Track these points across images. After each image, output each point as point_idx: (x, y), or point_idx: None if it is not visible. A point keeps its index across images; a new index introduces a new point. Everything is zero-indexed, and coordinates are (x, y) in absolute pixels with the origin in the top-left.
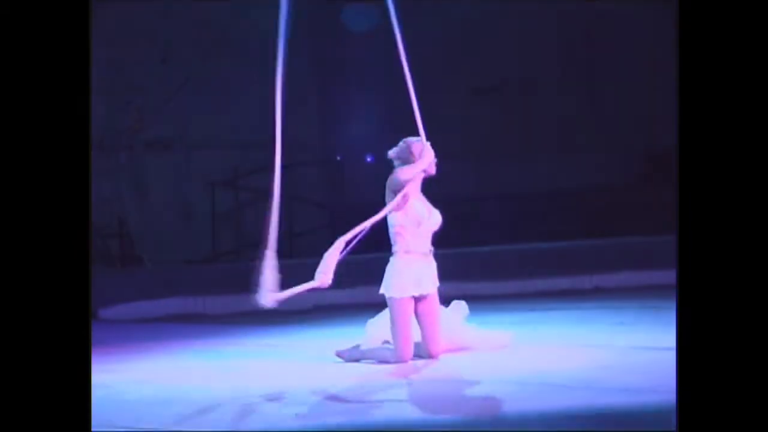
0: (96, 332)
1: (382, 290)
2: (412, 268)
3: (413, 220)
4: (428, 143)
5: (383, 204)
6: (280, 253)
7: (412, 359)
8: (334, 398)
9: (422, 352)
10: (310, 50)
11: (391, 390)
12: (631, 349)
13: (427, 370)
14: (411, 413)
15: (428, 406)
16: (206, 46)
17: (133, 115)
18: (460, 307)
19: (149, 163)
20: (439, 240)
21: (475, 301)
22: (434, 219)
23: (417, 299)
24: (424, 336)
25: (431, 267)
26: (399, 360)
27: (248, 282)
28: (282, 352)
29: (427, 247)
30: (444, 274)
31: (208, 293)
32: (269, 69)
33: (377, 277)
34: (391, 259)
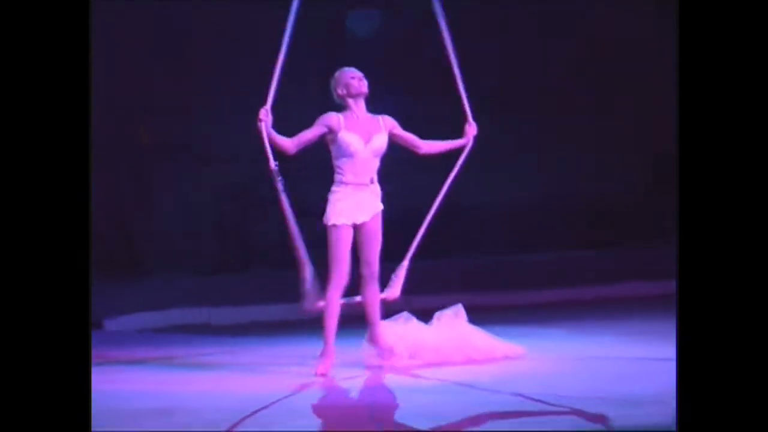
0: (101, 342)
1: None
2: (349, 199)
3: (345, 152)
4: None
5: (390, 210)
6: (288, 264)
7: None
8: (340, 407)
9: (362, 284)
10: (315, 56)
11: (396, 398)
12: (634, 360)
13: (430, 380)
14: (414, 423)
15: (431, 416)
16: (213, 55)
17: (140, 125)
18: (459, 310)
19: (156, 174)
20: (441, 249)
21: (477, 311)
22: (374, 146)
23: (357, 227)
24: (361, 256)
25: (372, 195)
26: (330, 287)
27: (254, 293)
28: (288, 363)
29: (368, 176)
30: (446, 285)
31: (213, 304)
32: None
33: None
34: (332, 188)
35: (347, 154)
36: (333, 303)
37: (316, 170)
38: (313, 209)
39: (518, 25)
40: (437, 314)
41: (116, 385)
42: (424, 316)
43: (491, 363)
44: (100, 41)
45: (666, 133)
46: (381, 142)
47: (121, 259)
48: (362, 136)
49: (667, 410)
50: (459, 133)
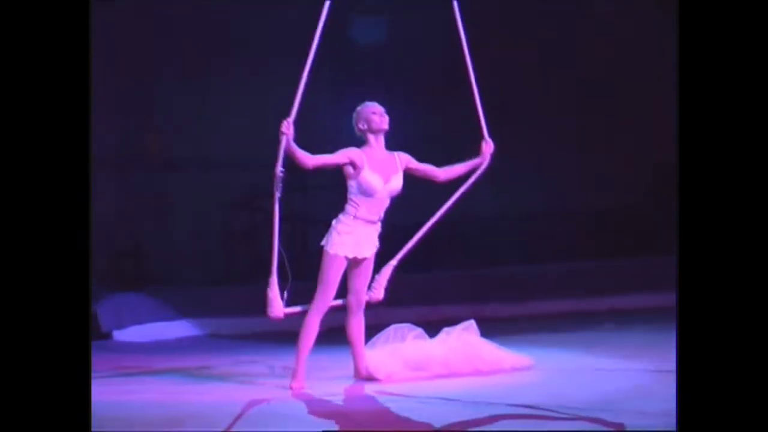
0: (110, 353)
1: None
2: (356, 233)
3: (365, 191)
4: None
5: (398, 223)
6: (297, 274)
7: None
8: (347, 418)
9: (350, 301)
10: (323, 66)
11: (403, 408)
12: (645, 372)
13: (440, 391)
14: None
15: (439, 426)
16: (223, 65)
17: (150, 134)
18: (470, 326)
19: (166, 183)
20: (451, 260)
21: (488, 323)
22: (391, 186)
23: (353, 260)
24: (350, 284)
25: (375, 233)
26: (313, 310)
27: (262, 303)
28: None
29: (378, 215)
30: (456, 296)
31: (222, 314)
32: (287, 89)
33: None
34: (340, 216)
35: (367, 194)
36: (311, 326)
37: (335, 181)
38: (329, 220)
39: (518, 26)
40: (446, 330)
41: (125, 395)
42: (429, 327)
43: (499, 374)
44: (100, 41)
45: (667, 141)
46: (397, 184)
47: (129, 270)
48: (382, 176)
49: (672, 422)
50: (468, 142)
